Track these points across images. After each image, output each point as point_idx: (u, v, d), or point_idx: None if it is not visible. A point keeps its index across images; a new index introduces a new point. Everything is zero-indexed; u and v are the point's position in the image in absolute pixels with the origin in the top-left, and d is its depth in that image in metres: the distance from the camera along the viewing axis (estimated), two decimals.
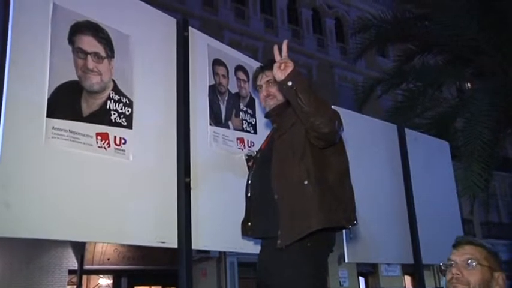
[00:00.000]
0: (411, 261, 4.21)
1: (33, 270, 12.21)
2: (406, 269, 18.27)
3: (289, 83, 2.33)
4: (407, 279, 19.08)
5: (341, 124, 2.44)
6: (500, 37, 9.48)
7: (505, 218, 21.49)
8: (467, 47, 10.13)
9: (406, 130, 4.59)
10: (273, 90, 2.66)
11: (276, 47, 2.44)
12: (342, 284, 16.75)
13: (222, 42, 3.39)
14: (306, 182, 2.36)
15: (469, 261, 1.93)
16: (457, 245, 2.03)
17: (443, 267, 2.02)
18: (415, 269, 4.34)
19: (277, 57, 2.41)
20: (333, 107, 2.95)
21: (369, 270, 18.58)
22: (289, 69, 2.34)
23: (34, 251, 12.06)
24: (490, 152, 8.98)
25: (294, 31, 19.87)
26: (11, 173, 1.99)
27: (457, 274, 1.93)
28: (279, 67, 2.37)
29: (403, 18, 11.17)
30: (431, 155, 4.84)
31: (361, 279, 18.56)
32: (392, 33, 11.34)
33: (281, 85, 2.41)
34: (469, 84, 11.84)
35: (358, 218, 2.51)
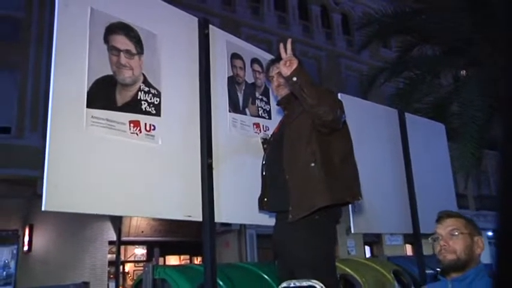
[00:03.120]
0: (410, 231, 4.22)
1: (79, 241, 12.41)
2: (407, 239, 18.18)
3: (294, 79, 2.35)
4: (408, 247, 19.02)
5: (343, 112, 2.45)
6: (490, 30, 9.32)
7: (496, 192, 21.41)
8: (462, 38, 9.97)
9: (406, 114, 4.56)
10: (283, 80, 2.66)
11: (281, 45, 2.44)
12: (350, 252, 16.75)
13: (240, 37, 3.39)
14: (312, 164, 2.38)
15: (452, 232, 1.98)
16: (439, 219, 2.07)
17: (430, 241, 2.07)
18: (414, 238, 4.35)
19: (283, 54, 2.42)
20: (339, 94, 2.95)
21: (374, 240, 18.55)
22: (294, 66, 2.36)
23: (79, 224, 12.23)
24: (482, 133, 8.89)
25: (305, 26, 19.63)
26: (58, 157, 2.05)
27: (444, 245, 1.98)
28: (285, 64, 2.39)
29: (403, 12, 11.00)
30: (429, 137, 4.81)
31: (367, 248, 18.55)
32: (393, 27, 11.17)
33: (287, 80, 2.43)
34: (463, 72, 11.64)
35: (363, 193, 2.54)
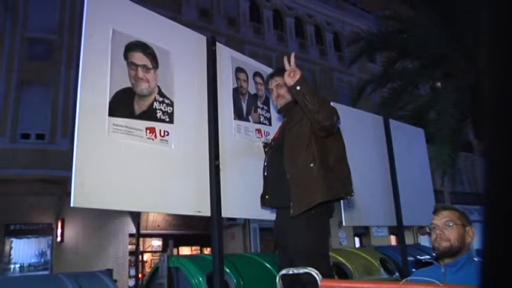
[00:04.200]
0: (394, 223, 4.18)
1: (104, 233, 12.47)
2: (392, 230, 18.12)
3: (298, 87, 2.32)
4: (393, 238, 18.94)
5: (338, 118, 2.44)
6: (462, 46, 9.33)
7: (468, 188, 21.55)
8: (437, 54, 9.99)
9: (390, 120, 4.53)
10: (282, 91, 2.65)
11: (285, 58, 2.42)
12: (341, 243, 16.68)
13: (243, 53, 3.37)
14: (311, 165, 2.36)
15: (447, 222, 1.97)
16: (436, 211, 2.06)
17: (428, 230, 2.07)
18: (398, 230, 4.31)
19: (286, 66, 2.39)
20: (332, 103, 2.93)
21: (362, 232, 18.47)
22: (297, 76, 2.33)
23: (103, 219, 12.32)
24: (456, 137, 8.90)
25: (301, 43, 19.65)
26: (84, 159, 2.04)
27: (440, 234, 1.97)
28: (289, 75, 2.36)
29: (386, 31, 11.02)
30: (410, 140, 4.79)
31: (357, 239, 18.47)
32: (378, 44, 11.19)
33: (291, 89, 2.40)
34: (439, 84, 11.63)
35: (354, 190, 2.51)
